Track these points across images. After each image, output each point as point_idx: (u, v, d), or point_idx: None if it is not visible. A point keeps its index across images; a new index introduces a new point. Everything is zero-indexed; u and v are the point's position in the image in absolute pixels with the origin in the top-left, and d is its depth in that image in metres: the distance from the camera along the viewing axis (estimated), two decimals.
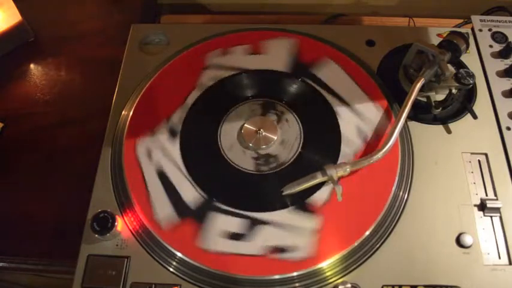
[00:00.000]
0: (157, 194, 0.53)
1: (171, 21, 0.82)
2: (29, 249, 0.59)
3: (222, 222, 0.51)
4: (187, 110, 0.59)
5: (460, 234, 0.50)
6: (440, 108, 0.57)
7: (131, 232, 0.51)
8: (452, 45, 0.57)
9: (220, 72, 0.62)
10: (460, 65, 0.61)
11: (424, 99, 0.58)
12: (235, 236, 0.50)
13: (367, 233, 0.49)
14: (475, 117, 0.57)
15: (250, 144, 0.56)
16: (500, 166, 0.54)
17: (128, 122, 0.58)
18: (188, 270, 0.48)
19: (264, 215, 0.51)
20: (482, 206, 0.52)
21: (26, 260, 0.59)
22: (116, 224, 0.49)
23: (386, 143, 0.52)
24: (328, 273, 0.48)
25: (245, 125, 0.57)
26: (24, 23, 0.76)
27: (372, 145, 0.56)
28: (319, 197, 0.52)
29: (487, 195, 0.53)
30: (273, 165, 0.55)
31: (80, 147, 0.66)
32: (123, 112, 0.60)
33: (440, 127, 0.58)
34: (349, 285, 0.47)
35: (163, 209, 0.52)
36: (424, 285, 0.48)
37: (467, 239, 0.49)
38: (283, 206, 0.52)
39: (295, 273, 0.48)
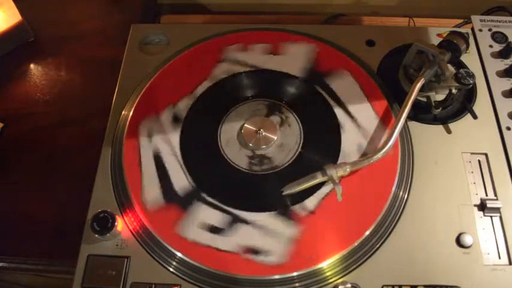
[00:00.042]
0: (149, 176, 0.54)
1: (171, 21, 0.82)
2: (29, 249, 0.59)
3: (205, 214, 0.51)
4: (195, 99, 0.60)
5: (460, 234, 0.50)
6: (440, 108, 0.57)
7: (131, 232, 0.51)
8: (452, 45, 0.57)
9: (235, 67, 0.63)
10: (460, 65, 0.61)
11: (424, 99, 0.58)
12: (214, 230, 0.50)
13: (367, 233, 0.49)
14: (475, 117, 0.57)
15: (250, 144, 0.56)
16: (500, 166, 0.54)
17: (127, 122, 0.58)
18: (188, 270, 0.48)
19: (248, 214, 0.51)
20: (482, 206, 0.52)
21: (26, 260, 0.59)
22: (116, 224, 0.49)
23: (386, 143, 0.52)
24: (328, 273, 0.48)
25: (245, 125, 0.57)
26: (24, 23, 0.76)
27: (372, 145, 0.56)
28: (305, 206, 0.51)
29: (487, 195, 0.53)
30: (265, 167, 0.55)
31: (80, 147, 0.66)
32: (123, 112, 0.60)
33: (440, 127, 0.58)
34: (349, 285, 0.47)
35: (152, 190, 0.53)
36: (424, 285, 0.48)
37: (467, 239, 0.49)
38: (269, 209, 0.51)
39: (295, 273, 0.48)
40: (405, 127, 0.57)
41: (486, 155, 0.55)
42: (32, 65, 0.76)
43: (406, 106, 0.53)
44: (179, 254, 0.49)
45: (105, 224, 0.49)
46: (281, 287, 0.48)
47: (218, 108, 0.60)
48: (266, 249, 0.49)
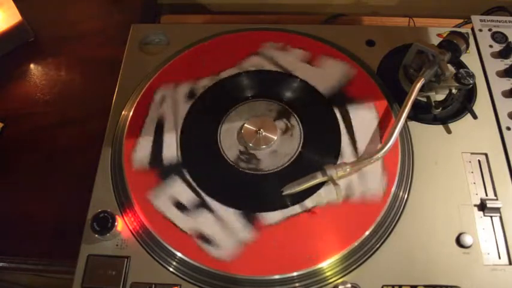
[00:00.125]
0: (146, 136, 0.57)
1: (171, 21, 0.82)
2: (29, 249, 0.59)
3: (178, 189, 0.53)
4: (215, 81, 0.61)
5: (460, 234, 0.50)
6: (440, 108, 0.57)
7: (131, 232, 0.51)
8: (452, 45, 0.57)
9: (265, 64, 0.63)
10: (460, 65, 0.61)
11: (424, 99, 0.58)
12: (180, 206, 0.52)
13: (367, 233, 0.49)
14: (475, 117, 0.57)
15: (251, 144, 0.56)
16: (500, 166, 0.54)
17: (128, 122, 0.58)
18: (188, 270, 0.48)
19: (216, 204, 0.52)
20: (482, 206, 0.52)
21: (26, 260, 0.59)
22: (116, 224, 0.49)
23: (386, 143, 0.52)
24: (328, 273, 0.48)
25: (245, 125, 0.57)
26: (24, 23, 0.76)
27: (372, 145, 0.56)
28: (271, 216, 0.51)
29: (487, 195, 0.53)
30: (251, 166, 0.55)
31: (80, 147, 0.66)
32: (123, 112, 0.60)
33: (440, 127, 0.58)
34: (349, 285, 0.47)
35: (143, 150, 0.56)
36: (424, 285, 0.48)
37: (467, 239, 0.49)
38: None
39: (295, 273, 0.48)
40: (405, 127, 0.57)
41: (486, 155, 0.55)
42: (32, 65, 0.76)
43: (406, 106, 0.53)
44: (179, 254, 0.49)
45: (105, 224, 0.49)
46: (281, 287, 0.48)
47: (218, 108, 0.60)
48: (217, 242, 0.50)
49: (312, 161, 0.55)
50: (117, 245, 0.50)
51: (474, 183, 0.54)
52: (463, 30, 0.62)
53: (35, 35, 0.79)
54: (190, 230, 0.50)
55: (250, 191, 0.54)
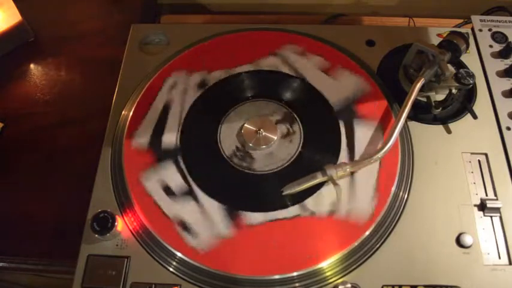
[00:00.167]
0: (151, 118, 0.58)
1: (171, 21, 0.82)
2: (29, 249, 0.59)
3: (169, 174, 0.54)
4: (228, 75, 0.62)
5: (460, 234, 0.50)
6: (440, 108, 0.57)
7: (131, 232, 0.51)
8: (452, 45, 0.57)
9: (280, 65, 0.63)
10: (460, 65, 0.61)
11: (424, 99, 0.58)
12: (167, 191, 0.53)
13: (367, 233, 0.49)
14: (475, 117, 0.57)
15: (250, 144, 0.56)
16: (500, 166, 0.54)
17: (127, 122, 0.58)
18: (188, 270, 0.48)
19: (203, 196, 0.53)
20: (482, 206, 0.52)
21: (26, 260, 0.59)
22: (116, 224, 0.49)
23: (386, 143, 0.52)
24: (328, 273, 0.48)
25: (245, 125, 0.57)
26: (24, 23, 0.76)
27: (372, 145, 0.56)
28: (254, 217, 0.51)
29: (487, 195, 0.53)
30: (243, 165, 0.55)
31: (80, 147, 0.66)
32: (123, 112, 0.60)
33: (440, 127, 0.58)
34: (349, 285, 0.47)
35: (145, 131, 0.57)
36: (424, 285, 0.48)
37: (467, 239, 0.49)
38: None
39: (295, 273, 0.48)
40: (405, 127, 0.57)
41: (486, 155, 0.55)
42: (32, 65, 0.76)
43: (406, 106, 0.53)
44: (179, 254, 0.49)
45: (105, 224, 0.49)
46: (281, 287, 0.48)
47: (218, 108, 0.60)
48: (195, 231, 0.50)
49: (312, 161, 0.55)
50: (117, 245, 0.50)
51: (474, 183, 0.54)
52: (463, 30, 0.62)
53: (35, 35, 0.79)
54: (172, 216, 0.51)
55: (239, 189, 0.54)
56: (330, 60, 0.62)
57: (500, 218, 0.51)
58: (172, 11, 0.86)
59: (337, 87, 0.60)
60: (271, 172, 0.55)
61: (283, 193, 0.51)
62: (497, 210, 0.51)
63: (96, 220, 0.50)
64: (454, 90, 0.56)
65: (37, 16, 0.80)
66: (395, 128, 0.52)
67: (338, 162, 0.54)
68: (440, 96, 0.57)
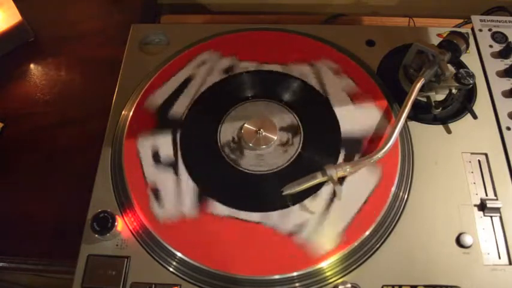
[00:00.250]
0: (167, 89, 0.61)
1: (171, 21, 0.82)
2: (29, 249, 0.59)
3: (163, 143, 0.56)
4: (252, 69, 0.63)
5: (460, 234, 0.50)
6: (440, 108, 0.57)
7: (131, 232, 0.51)
8: (452, 45, 0.57)
9: (309, 77, 0.62)
10: (460, 65, 0.61)
11: (424, 99, 0.58)
12: (156, 158, 0.55)
13: (367, 233, 0.49)
14: (475, 117, 0.57)
15: (250, 144, 0.56)
16: (500, 166, 0.54)
17: (128, 122, 0.58)
18: (188, 270, 0.48)
19: (184, 173, 0.54)
20: (482, 206, 0.52)
21: (26, 260, 0.59)
22: (116, 224, 0.49)
23: (386, 143, 0.52)
24: (328, 273, 0.48)
25: (245, 125, 0.57)
26: (24, 23, 0.76)
27: (372, 145, 0.56)
28: (220, 209, 0.52)
29: (487, 195, 0.53)
30: (231, 156, 0.56)
31: (80, 147, 0.66)
32: (123, 112, 0.60)
33: (440, 127, 0.58)
34: (349, 285, 0.47)
35: (158, 98, 0.60)
36: (424, 285, 0.48)
37: (467, 239, 0.49)
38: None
39: (295, 273, 0.48)
40: (405, 127, 0.57)
41: (486, 155, 0.55)
42: (32, 65, 0.76)
43: (406, 106, 0.53)
44: (179, 254, 0.49)
45: (105, 224, 0.49)
46: (281, 287, 0.48)
47: (218, 108, 0.60)
48: (163, 201, 0.52)
49: (311, 161, 0.55)
50: (117, 245, 0.50)
51: (474, 183, 0.54)
52: (463, 30, 0.62)
53: (35, 35, 0.79)
54: (150, 181, 0.53)
55: (220, 178, 0.55)
56: (360, 87, 0.60)
57: (500, 218, 0.51)
58: (172, 11, 0.86)
59: (356, 116, 0.58)
60: (282, 168, 0.55)
61: (283, 193, 0.51)
62: (497, 210, 0.51)
63: (96, 220, 0.50)
64: (454, 90, 0.56)
65: (37, 16, 0.80)
66: (395, 128, 0.52)
67: (340, 155, 0.55)
68: (440, 96, 0.57)
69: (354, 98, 0.59)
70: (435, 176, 0.54)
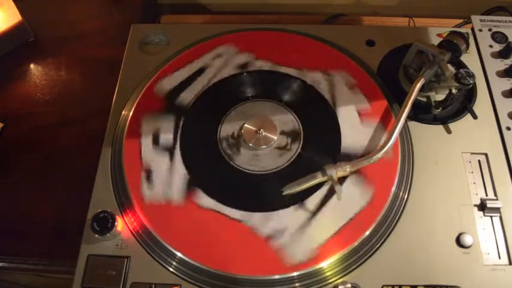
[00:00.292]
0: (181, 75, 0.62)
1: (171, 21, 0.82)
2: (29, 249, 0.59)
3: (165, 127, 0.58)
4: (268, 68, 0.63)
5: (460, 234, 0.50)
6: (440, 108, 0.57)
7: (131, 232, 0.51)
8: (452, 45, 0.57)
9: (321, 86, 0.61)
10: (460, 65, 0.61)
11: (424, 99, 0.58)
12: (155, 138, 0.57)
13: (367, 233, 0.49)
14: (475, 117, 0.57)
15: (250, 144, 0.56)
16: (500, 166, 0.54)
17: (127, 122, 0.58)
18: (188, 270, 0.48)
19: (179, 159, 0.55)
20: (482, 206, 0.52)
21: (26, 260, 0.59)
22: (116, 224, 0.49)
23: (386, 143, 0.52)
24: (328, 273, 0.48)
25: (245, 125, 0.57)
26: (24, 23, 0.76)
27: (372, 145, 0.56)
28: (205, 200, 0.52)
29: (487, 195, 0.53)
30: (227, 151, 0.56)
31: (80, 147, 0.66)
32: (123, 112, 0.60)
33: (440, 127, 0.58)
34: (349, 285, 0.47)
35: (169, 83, 0.61)
36: (424, 285, 0.48)
37: (467, 239, 0.49)
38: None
39: (295, 273, 0.48)
40: (405, 127, 0.57)
41: (486, 155, 0.55)
42: (32, 65, 0.76)
43: (406, 106, 0.53)
44: (179, 254, 0.49)
45: (105, 224, 0.49)
46: (281, 287, 0.48)
47: (218, 108, 0.60)
48: (153, 182, 0.53)
49: (311, 161, 0.55)
50: (117, 245, 0.50)
51: (474, 183, 0.54)
52: (463, 30, 0.62)
53: (35, 35, 0.79)
54: (144, 161, 0.55)
55: (211, 171, 0.55)
56: (373, 107, 0.58)
57: (500, 218, 0.51)
58: (172, 11, 0.86)
59: (360, 134, 0.57)
60: (282, 168, 0.55)
61: (283, 193, 0.51)
62: (497, 210, 0.51)
63: (96, 220, 0.50)
64: (454, 90, 0.56)
65: (37, 16, 0.80)
66: (395, 128, 0.52)
67: (340, 155, 0.55)
68: (440, 96, 0.57)
69: (364, 116, 0.58)
70: (435, 176, 0.54)
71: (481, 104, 0.59)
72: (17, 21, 0.75)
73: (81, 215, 0.52)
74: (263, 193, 0.53)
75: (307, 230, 0.50)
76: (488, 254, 0.49)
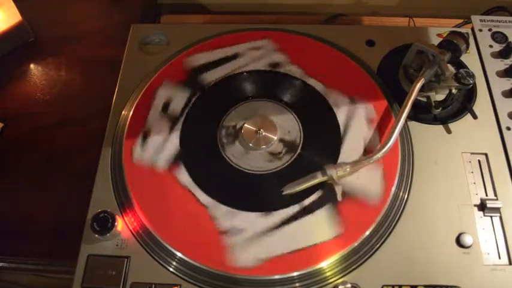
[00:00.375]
0: (214, 55, 0.64)
1: (171, 21, 0.82)
2: (29, 249, 0.59)
3: (178, 98, 0.59)
4: (298, 76, 0.62)
5: (460, 234, 0.50)
6: (440, 108, 0.57)
7: (131, 232, 0.51)
8: (452, 45, 0.57)
9: (340, 110, 0.59)
10: (460, 65, 0.61)
11: (424, 99, 0.58)
12: (165, 106, 0.59)
13: (367, 233, 0.49)
14: (475, 117, 0.57)
15: (250, 144, 0.56)
16: (500, 166, 0.54)
17: (127, 122, 0.58)
18: (188, 270, 0.48)
19: (177, 132, 0.57)
20: (482, 206, 0.52)
21: (26, 260, 0.59)
22: (116, 224, 0.49)
23: (386, 143, 0.52)
24: (328, 273, 0.48)
25: (245, 125, 0.57)
26: (24, 23, 0.76)
27: (372, 145, 0.56)
28: (185, 177, 0.54)
29: (487, 195, 0.53)
30: (223, 140, 0.57)
31: (80, 147, 0.66)
32: (123, 112, 0.60)
33: (440, 127, 0.58)
34: (349, 285, 0.47)
35: (199, 59, 0.63)
36: (424, 285, 0.48)
37: (467, 239, 0.49)
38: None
39: (295, 273, 0.48)
40: (405, 127, 0.57)
41: (486, 155, 0.55)
42: (32, 65, 0.76)
43: (406, 106, 0.53)
44: (179, 254, 0.49)
45: (105, 224, 0.49)
46: (281, 287, 0.48)
47: (218, 108, 0.60)
48: (147, 145, 0.56)
49: (311, 161, 0.55)
50: (117, 245, 0.50)
51: (474, 183, 0.54)
52: (463, 30, 0.62)
53: (35, 35, 0.79)
54: (147, 123, 0.58)
55: (196, 149, 0.56)
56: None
57: (500, 218, 0.51)
58: (172, 11, 0.86)
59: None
60: (282, 168, 0.55)
61: (283, 193, 0.51)
62: (497, 210, 0.51)
63: (96, 220, 0.50)
64: (454, 90, 0.56)
65: (37, 16, 0.80)
66: (395, 128, 0.52)
67: (340, 155, 0.55)
68: (440, 96, 0.57)
69: (369, 151, 0.55)
70: (435, 176, 0.54)
71: (481, 104, 0.59)
72: (17, 21, 0.75)
73: (81, 215, 0.52)
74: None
75: (264, 239, 0.49)
76: (488, 254, 0.49)
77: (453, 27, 0.72)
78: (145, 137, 0.56)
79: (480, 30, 0.65)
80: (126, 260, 0.49)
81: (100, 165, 0.56)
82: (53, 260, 0.58)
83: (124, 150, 0.56)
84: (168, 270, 0.49)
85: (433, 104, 0.57)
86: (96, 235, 0.49)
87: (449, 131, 0.57)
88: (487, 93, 0.60)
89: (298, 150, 0.56)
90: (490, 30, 0.65)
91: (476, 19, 0.66)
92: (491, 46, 0.63)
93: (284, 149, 0.56)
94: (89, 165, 0.56)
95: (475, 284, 0.48)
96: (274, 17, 0.81)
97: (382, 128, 0.57)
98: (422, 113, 0.58)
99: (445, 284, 0.48)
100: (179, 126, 0.58)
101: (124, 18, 0.78)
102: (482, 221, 0.51)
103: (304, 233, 0.50)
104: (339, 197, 0.51)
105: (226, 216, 0.51)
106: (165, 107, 0.59)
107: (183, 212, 0.51)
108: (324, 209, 0.51)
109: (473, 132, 0.57)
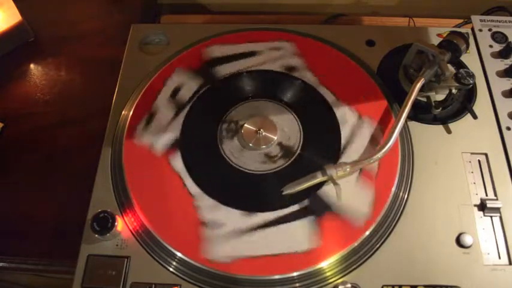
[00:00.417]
0: (232, 49, 0.64)
1: (171, 21, 0.82)
2: (29, 249, 0.59)
3: (189, 86, 0.60)
4: (305, 88, 0.61)
5: (460, 234, 0.50)
6: (440, 108, 0.57)
7: (131, 232, 0.51)
8: (452, 45, 0.57)
9: (347, 125, 0.58)
10: (460, 65, 0.61)
11: (424, 99, 0.58)
12: (174, 92, 0.60)
13: (367, 233, 0.49)
14: (475, 117, 0.57)
15: (250, 144, 0.56)
16: (500, 166, 0.54)
17: (127, 122, 0.58)
18: (188, 270, 0.48)
19: (181, 120, 0.58)
20: (482, 206, 0.52)
21: (26, 260, 0.59)
22: (116, 224, 0.49)
23: (386, 143, 0.52)
24: (328, 273, 0.48)
25: (245, 125, 0.57)
26: (24, 23, 0.76)
27: (372, 145, 0.56)
28: (177, 163, 0.54)
29: (487, 195, 0.53)
30: (222, 134, 0.57)
31: (80, 147, 0.66)
32: (123, 112, 0.60)
33: (440, 127, 0.58)
34: (349, 285, 0.47)
35: (216, 51, 0.64)
36: (424, 285, 0.48)
37: (467, 239, 0.49)
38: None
39: (295, 273, 0.48)
40: (405, 127, 0.57)
41: (486, 155, 0.55)
42: (32, 65, 0.76)
43: (406, 106, 0.53)
44: (180, 254, 0.49)
45: (105, 224, 0.49)
46: (281, 287, 0.48)
47: (218, 108, 0.60)
48: (150, 128, 0.57)
49: (311, 161, 0.55)
50: (117, 245, 0.50)
51: (474, 183, 0.54)
52: (463, 30, 0.62)
53: (35, 35, 0.79)
54: (153, 106, 0.59)
55: (193, 140, 0.57)
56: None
57: (500, 218, 0.51)
58: (172, 11, 0.86)
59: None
60: (282, 168, 0.55)
61: (283, 193, 0.51)
62: (497, 210, 0.51)
63: (96, 220, 0.50)
64: (454, 90, 0.56)
65: (37, 16, 0.80)
66: (395, 128, 0.52)
67: (340, 155, 0.55)
68: (440, 96, 0.57)
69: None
70: (435, 176, 0.54)
71: (481, 104, 0.59)
72: (17, 21, 0.75)
73: (81, 215, 0.52)
74: (252, 193, 0.54)
75: (242, 238, 0.49)
76: (488, 254, 0.49)
77: (453, 27, 0.72)
78: (149, 120, 0.58)
79: (480, 30, 0.65)
80: (126, 260, 0.49)
81: (100, 165, 0.56)
82: (53, 260, 0.58)
83: (124, 150, 0.56)
84: (168, 270, 0.49)
85: (433, 104, 0.57)
86: (96, 235, 0.49)
87: (449, 131, 0.57)
88: (487, 93, 0.60)
89: (296, 154, 0.56)
90: (490, 30, 0.65)
91: (476, 19, 0.66)
92: (491, 46, 0.63)
93: (280, 153, 0.56)
94: (89, 165, 0.56)
95: (475, 284, 0.48)
96: (274, 17, 0.81)
97: (382, 128, 0.57)
98: (422, 113, 0.58)
99: (445, 284, 0.48)
100: (184, 112, 0.59)
101: (124, 18, 0.78)
102: (482, 221, 0.51)
103: (286, 238, 0.49)
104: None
105: (210, 209, 0.51)
106: (175, 92, 0.60)
107: (167, 193, 0.52)
108: (306, 220, 0.51)
109: (473, 132, 0.57)
